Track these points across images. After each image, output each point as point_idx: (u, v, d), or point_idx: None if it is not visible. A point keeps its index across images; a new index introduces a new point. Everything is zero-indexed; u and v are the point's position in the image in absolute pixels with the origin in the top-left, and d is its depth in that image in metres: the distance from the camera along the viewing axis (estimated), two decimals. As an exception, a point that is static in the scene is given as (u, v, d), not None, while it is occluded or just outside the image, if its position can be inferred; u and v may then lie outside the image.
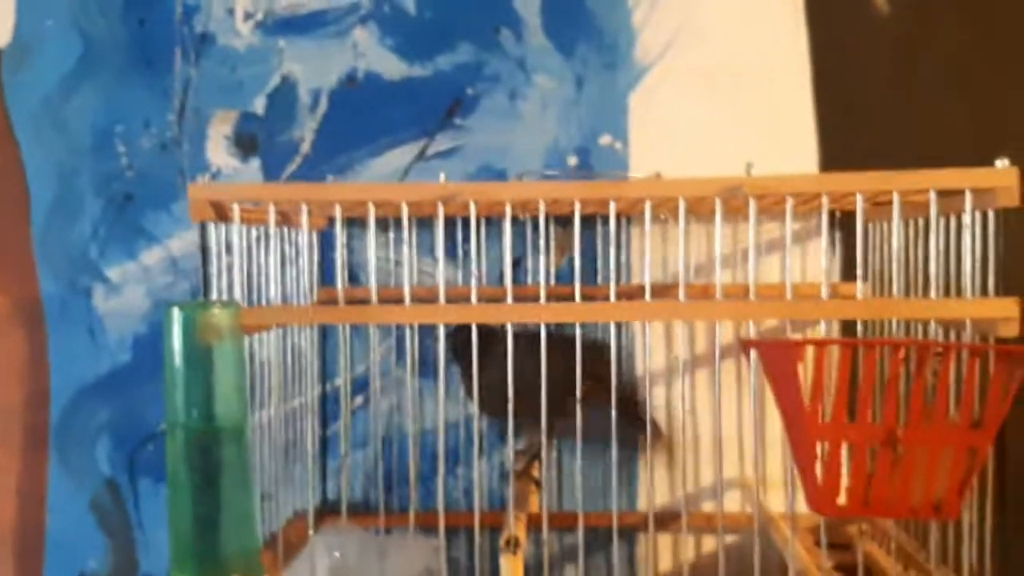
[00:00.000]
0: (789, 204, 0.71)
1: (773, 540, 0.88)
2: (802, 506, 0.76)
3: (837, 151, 1.02)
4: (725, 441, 1.02)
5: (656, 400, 1.02)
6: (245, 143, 1.08)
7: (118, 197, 1.08)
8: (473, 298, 0.72)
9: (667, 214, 0.98)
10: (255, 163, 1.08)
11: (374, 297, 0.74)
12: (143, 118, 1.08)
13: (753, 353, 0.72)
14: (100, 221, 1.08)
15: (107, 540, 1.09)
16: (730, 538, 1.02)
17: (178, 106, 1.08)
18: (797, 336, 0.93)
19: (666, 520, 1.02)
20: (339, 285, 0.76)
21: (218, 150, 1.08)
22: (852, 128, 1.02)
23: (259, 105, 1.08)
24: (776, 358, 0.69)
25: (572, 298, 0.75)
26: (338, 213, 0.74)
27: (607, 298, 0.76)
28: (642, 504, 1.05)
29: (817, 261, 1.01)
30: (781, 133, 1.03)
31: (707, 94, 1.04)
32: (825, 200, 0.71)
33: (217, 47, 1.08)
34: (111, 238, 1.08)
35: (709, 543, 1.04)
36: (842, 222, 1.01)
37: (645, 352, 0.99)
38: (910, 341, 0.73)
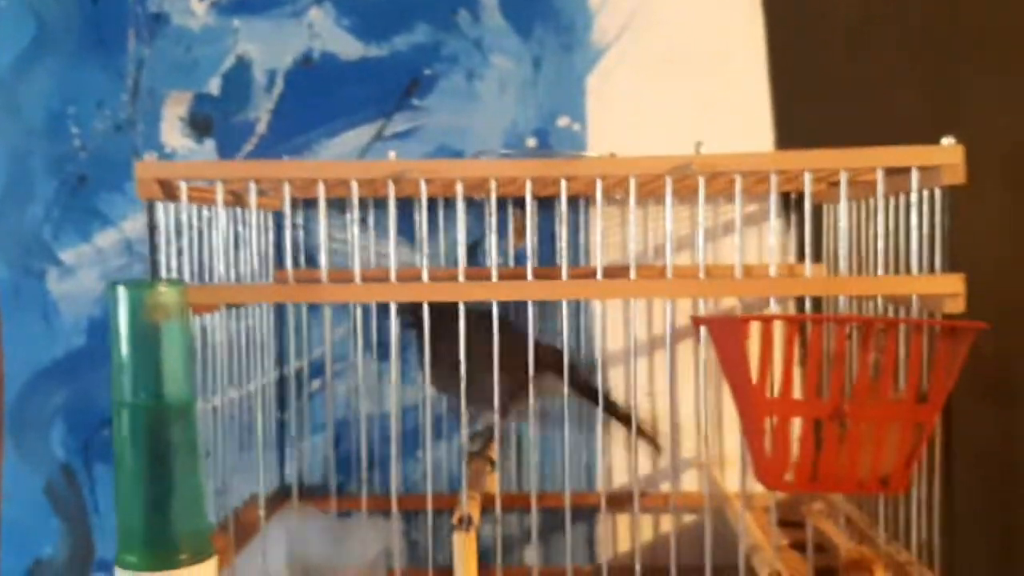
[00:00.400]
0: (739, 182, 0.71)
1: (728, 519, 0.89)
2: (756, 484, 0.77)
3: (793, 133, 1.03)
4: (684, 421, 1.03)
5: (615, 382, 1.03)
6: (200, 124, 1.07)
7: (71, 179, 1.06)
8: (424, 276, 0.72)
9: (622, 194, 0.98)
10: (210, 144, 1.07)
11: (324, 276, 0.73)
12: (96, 99, 1.06)
13: (703, 330, 0.72)
14: (53, 203, 1.06)
15: (62, 525, 1.08)
16: (688, 518, 1.03)
17: (132, 87, 1.07)
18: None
19: (624, 501, 1.03)
20: (289, 265, 0.75)
21: (173, 131, 1.07)
22: (808, 110, 1.02)
23: (214, 86, 1.07)
24: (724, 334, 0.69)
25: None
26: (286, 192, 0.73)
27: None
28: (600, 485, 1.05)
29: (763, 244, 1.02)
30: (737, 114, 1.04)
31: (664, 76, 1.04)
32: (774, 179, 0.71)
33: (171, 27, 1.06)
34: (65, 220, 1.07)
35: (667, 523, 1.05)
36: (798, 204, 1.02)
37: (604, 333, 1.00)
38: (855, 317, 0.74)
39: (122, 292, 0.68)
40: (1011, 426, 0.92)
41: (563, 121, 1.05)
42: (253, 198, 0.73)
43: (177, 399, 0.69)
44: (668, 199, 0.71)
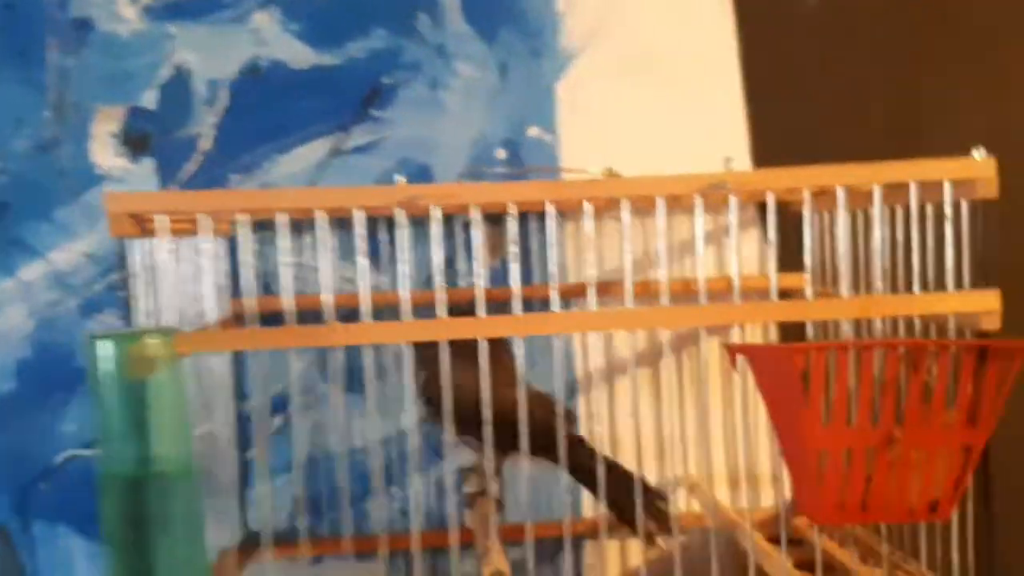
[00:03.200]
0: (770, 199, 0.67)
1: (727, 538, 0.86)
2: (759, 501, 0.74)
3: (768, 139, 1.00)
4: (668, 442, 1.00)
5: (598, 406, 0.98)
6: (135, 141, 0.97)
7: (-10, 206, 0.95)
8: (406, 310, 0.66)
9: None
10: (148, 163, 0.97)
11: (290, 312, 0.66)
12: (15, 116, 0.95)
13: (740, 359, 0.68)
14: (-31, 234, 0.95)
15: (-5, 593, 0.96)
16: (680, 539, 1.00)
17: (55, 101, 0.96)
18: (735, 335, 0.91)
19: (612, 526, 0.98)
20: (249, 304, 0.67)
21: (104, 150, 0.97)
22: (783, 115, 1.00)
23: (149, 99, 0.97)
24: (769, 364, 0.65)
25: (509, 302, 0.69)
26: (284, 222, 0.65)
27: (546, 300, 0.71)
28: (587, 511, 1.01)
29: (745, 254, 0.99)
30: (711, 120, 1.01)
31: (636, 81, 1.00)
32: (807, 195, 0.68)
33: (98, 34, 0.96)
34: (-17, 253, 0.95)
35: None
36: (762, 214, 1.00)
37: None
38: (905, 341, 0.72)
39: (102, 346, 0.59)
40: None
41: (533, 131, 1.00)
42: (244, 231, 0.65)
43: (172, 463, 0.61)
44: (699, 220, 0.67)
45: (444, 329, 0.65)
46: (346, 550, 0.91)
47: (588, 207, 0.66)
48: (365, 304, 0.67)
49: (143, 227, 0.66)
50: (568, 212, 0.99)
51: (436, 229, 0.66)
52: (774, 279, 0.69)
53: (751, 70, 1.01)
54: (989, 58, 1.01)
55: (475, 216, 0.66)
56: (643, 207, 0.95)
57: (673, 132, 0.99)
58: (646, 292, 0.93)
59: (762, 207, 0.99)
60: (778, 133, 1.00)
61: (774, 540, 0.90)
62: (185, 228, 0.76)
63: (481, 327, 0.68)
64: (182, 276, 0.75)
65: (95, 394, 0.59)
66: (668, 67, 1.00)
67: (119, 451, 0.59)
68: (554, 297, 0.69)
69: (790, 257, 0.92)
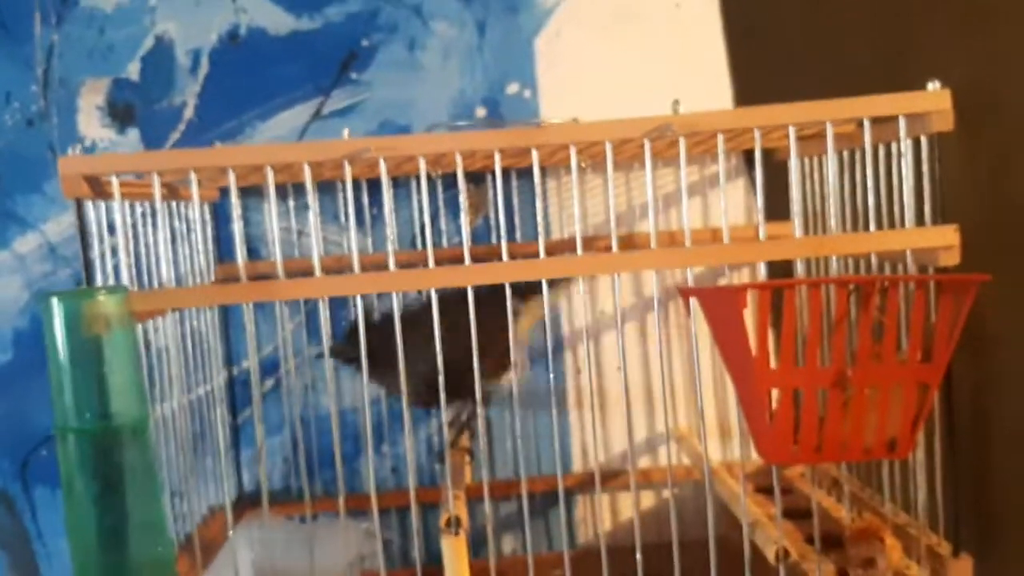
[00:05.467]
0: (720, 141, 0.66)
1: (717, 491, 0.85)
2: (745, 454, 0.73)
3: (751, 86, 0.99)
4: (656, 394, 1.00)
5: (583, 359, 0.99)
6: (120, 112, 0.99)
7: (-18, 180, 0.98)
8: (391, 264, 0.66)
9: (587, 162, 0.93)
10: (134, 134, 0.99)
11: (280, 271, 0.67)
12: (3, 91, 0.97)
13: (693, 301, 0.68)
14: (-36, 208, 0.98)
15: (3, 555, 1.00)
16: (666, 492, 1.00)
17: (42, 76, 0.98)
18: (723, 281, 0.90)
19: (605, 480, 0.99)
20: (240, 259, 0.69)
21: (91, 122, 0.99)
22: (765, 63, 0.98)
23: (133, 70, 0.99)
24: (718, 305, 0.65)
25: (496, 258, 0.69)
26: (232, 180, 0.66)
27: (535, 255, 0.70)
28: (576, 466, 1.01)
29: (730, 204, 0.98)
30: (693, 71, 0.99)
31: (615, 34, 0.99)
32: (758, 135, 0.67)
33: (81, 8, 0.98)
34: (-22, 226, 0.98)
35: (645, 499, 1.01)
36: (749, 163, 0.98)
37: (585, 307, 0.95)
38: (855, 278, 0.70)
39: (56, 304, 0.61)
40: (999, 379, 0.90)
41: (513, 88, 1.00)
42: (195, 189, 0.66)
43: (127, 418, 0.62)
44: (648, 163, 0.66)
45: (393, 281, 0.66)
46: (336, 508, 0.93)
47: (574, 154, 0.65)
48: (316, 259, 0.67)
49: (100, 190, 0.67)
50: (549, 168, 0.99)
51: (385, 180, 0.66)
52: (725, 227, 0.68)
53: (731, 15, 0.99)
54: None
55: (421, 166, 0.66)
56: (621, 161, 0.95)
57: (654, 84, 0.98)
58: (630, 245, 0.93)
59: (748, 157, 0.99)
60: (761, 78, 0.99)
61: (764, 491, 0.90)
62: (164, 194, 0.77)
63: (469, 275, 0.67)
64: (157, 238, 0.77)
65: (50, 352, 0.60)
66: (648, 17, 0.99)
67: (74, 406, 0.60)
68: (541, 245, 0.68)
69: (778, 205, 0.92)
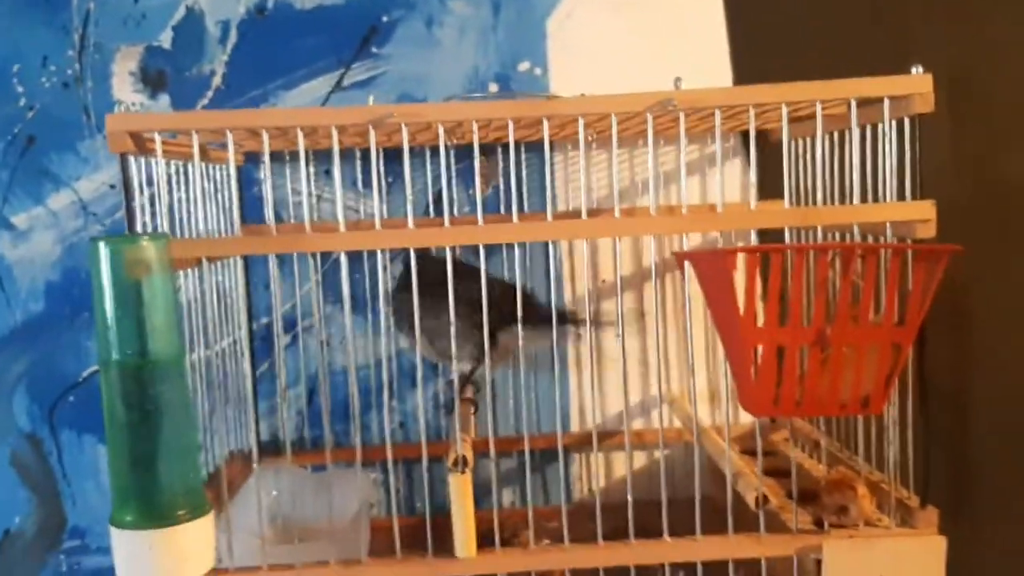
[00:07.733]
0: (718, 116, 0.72)
1: (705, 452, 0.91)
2: (732, 417, 0.79)
3: (750, 69, 1.04)
4: (651, 360, 1.05)
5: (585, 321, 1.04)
6: (152, 79, 1.04)
7: (20, 139, 1.03)
8: (410, 222, 0.72)
9: (594, 135, 0.99)
10: (164, 99, 1.04)
11: (308, 226, 0.72)
12: (41, 55, 1.03)
13: (687, 264, 0.73)
14: (2, 165, 1.03)
15: (32, 496, 1.06)
16: (658, 453, 1.05)
17: (78, 42, 1.03)
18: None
19: (602, 439, 1.04)
20: (268, 215, 0.74)
21: (124, 87, 1.04)
22: (765, 46, 1.03)
23: (165, 39, 1.04)
24: (709, 268, 0.70)
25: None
26: (266, 140, 0.72)
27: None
28: (574, 426, 1.07)
29: (727, 183, 1.03)
30: (696, 53, 1.04)
31: (623, 17, 1.04)
32: (752, 112, 0.72)
33: (116, -23, 1.03)
34: (15, 183, 1.03)
35: (638, 459, 1.07)
36: (745, 144, 1.04)
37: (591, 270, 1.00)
38: (836, 244, 0.76)
39: (102, 248, 0.66)
40: (973, 346, 0.96)
41: (524, 66, 1.05)
42: (231, 148, 0.72)
43: (164, 354, 0.68)
44: (650, 136, 0.72)
45: (412, 237, 0.71)
46: (349, 459, 0.98)
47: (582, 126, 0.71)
48: (340, 215, 0.73)
49: (142, 146, 0.72)
50: (557, 143, 1.04)
51: (406, 145, 0.72)
52: (719, 197, 0.72)
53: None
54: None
55: (440, 132, 0.71)
56: (625, 138, 1.01)
57: (661, 65, 1.04)
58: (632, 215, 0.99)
59: (744, 137, 1.04)
60: (760, 57, 1.03)
61: (749, 452, 0.96)
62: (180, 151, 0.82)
63: (479, 234, 0.72)
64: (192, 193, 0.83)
65: (96, 292, 0.66)
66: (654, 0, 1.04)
67: (117, 343, 0.66)
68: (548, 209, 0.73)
69: (771, 186, 0.97)
